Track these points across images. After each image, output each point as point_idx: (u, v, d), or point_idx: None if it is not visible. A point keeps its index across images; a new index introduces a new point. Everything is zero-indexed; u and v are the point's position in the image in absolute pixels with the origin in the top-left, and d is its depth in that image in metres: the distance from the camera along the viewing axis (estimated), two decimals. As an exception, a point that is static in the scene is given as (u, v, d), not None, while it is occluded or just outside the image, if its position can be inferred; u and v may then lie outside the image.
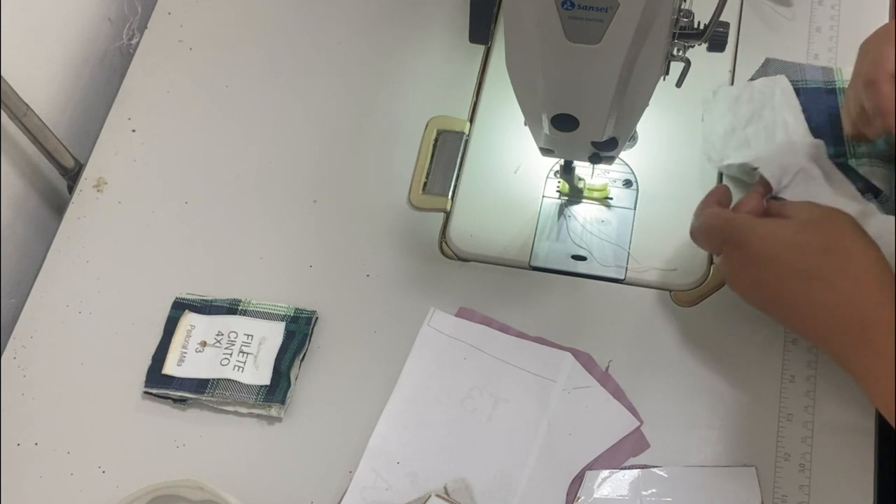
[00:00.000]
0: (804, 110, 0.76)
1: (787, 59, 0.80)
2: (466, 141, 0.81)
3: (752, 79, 0.80)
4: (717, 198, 0.69)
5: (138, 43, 0.88)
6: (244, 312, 0.75)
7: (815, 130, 0.75)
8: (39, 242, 0.83)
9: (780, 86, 0.77)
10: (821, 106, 0.71)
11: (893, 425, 0.60)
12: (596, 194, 0.78)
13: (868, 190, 0.72)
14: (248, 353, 0.73)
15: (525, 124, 0.66)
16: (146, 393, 0.73)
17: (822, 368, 0.70)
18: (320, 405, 0.72)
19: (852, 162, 0.74)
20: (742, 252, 0.64)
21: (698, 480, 0.66)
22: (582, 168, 0.75)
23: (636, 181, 0.78)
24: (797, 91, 0.77)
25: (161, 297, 0.76)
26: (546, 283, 0.75)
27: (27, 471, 0.71)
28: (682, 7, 0.60)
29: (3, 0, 0.77)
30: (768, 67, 0.80)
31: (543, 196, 0.78)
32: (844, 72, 0.79)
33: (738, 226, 0.65)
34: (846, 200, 0.70)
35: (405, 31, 0.87)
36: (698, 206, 0.69)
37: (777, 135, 0.75)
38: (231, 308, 0.75)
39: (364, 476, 0.68)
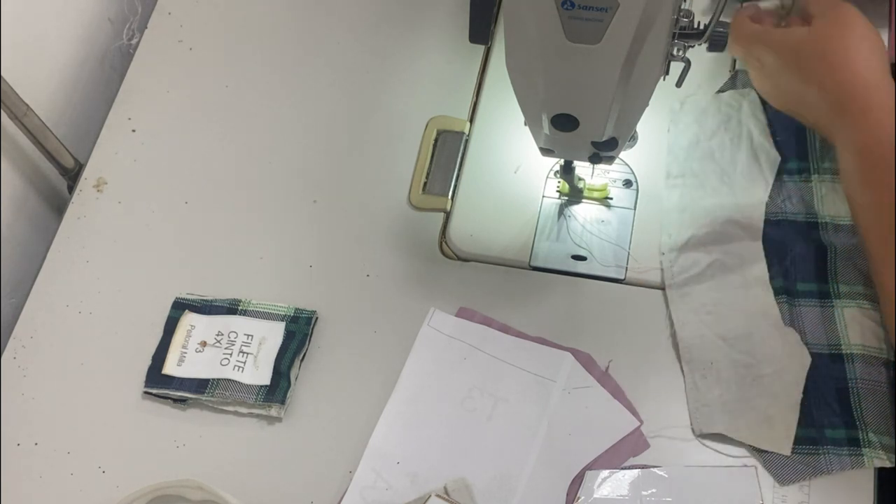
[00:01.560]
0: (770, 124, 0.76)
1: None
2: (466, 141, 0.81)
3: (720, 91, 0.80)
4: (750, 13, 0.70)
5: (138, 43, 0.88)
6: (244, 312, 0.75)
7: (781, 144, 0.75)
8: (39, 242, 0.83)
9: (748, 99, 0.78)
10: (787, 121, 0.71)
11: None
12: (596, 194, 0.78)
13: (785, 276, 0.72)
14: (248, 353, 0.73)
15: (525, 124, 0.66)
16: (146, 393, 0.73)
17: (822, 368, 0.70)
18: (320, 405, 0.72)
19: (815, 178, 0.74)
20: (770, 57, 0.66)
21: (698, 480, 0.66)
22: (582, 168, 0.75)
23: (636, 181, 0.78)
24: (765, 105, 0.77)
25: (161, 297, 0.76)
26: (546, 283, 0.75)
27: (27, 471, 0.71)
28: (682, 7, 0.60)
29: (3, 0, 0.77)
30: (737, 80, 0.80)
31: (543, 196, 0.78)
32: None
33: (759, 35, 0.67)
34: (756, 291, 0.71)
35: (405, 32, 0.87)
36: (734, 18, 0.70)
37: (742, 147, 0.76)
38: (231, 308, 0.75)
39: (364, 476, 0.68)
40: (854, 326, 0.69)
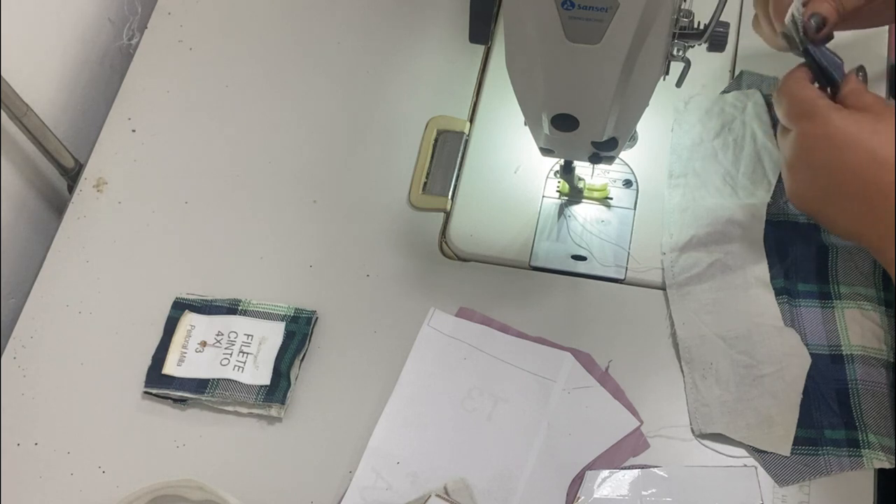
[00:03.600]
0: (774, 125, 0.76)
1: (763, 73, 0.80)
2: (466, 141, 0.81)
3: (724, 91, 0.80)
4: (806, 75, 0.67)
5: (138, 43, 0.88)
6: (244, 312, 0.75)
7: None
8: (39, 242, 0.83)
9: (753, 100, 0.78)
10: None
11: None
12: (596, 194, 0.78)
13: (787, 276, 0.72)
14: (248, 353, 0.73)
15: (525, 124, 0.66)
16: (146, 393, 0.73)
17: (822, 368, 0.70)
18: (320, 405, 0.72)
19: None
20: (821, 129, 0.62)
21: (698, 480, 0.66)
22: (582, 168, 0.75)
23: (636, 181, 0.78)
24: (769, 106, 0.77)
25: (161, 297, 0.76)
26: (546, 283, 0.75)
27: (27, 471, 0.71)
28: (682, 7, 0.60)
29: (3, 0, 0.77)
30: (742, 81, 0.80)
31: (543, 196, 0.78)
32: None
33: (822, 105, 0.63)
34: (757, 291, 0.71)
35: (405, 32, 0.87)
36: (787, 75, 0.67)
37: (745, 148, 0.76)
38: (231, 308, 0.75)
39: (364, 476, 0.68)
40: (854, 327, 0.69)
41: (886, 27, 0.82)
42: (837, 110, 0.62)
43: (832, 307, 0.70)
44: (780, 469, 0.66)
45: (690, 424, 0.68)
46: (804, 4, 0.66)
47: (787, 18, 0.66)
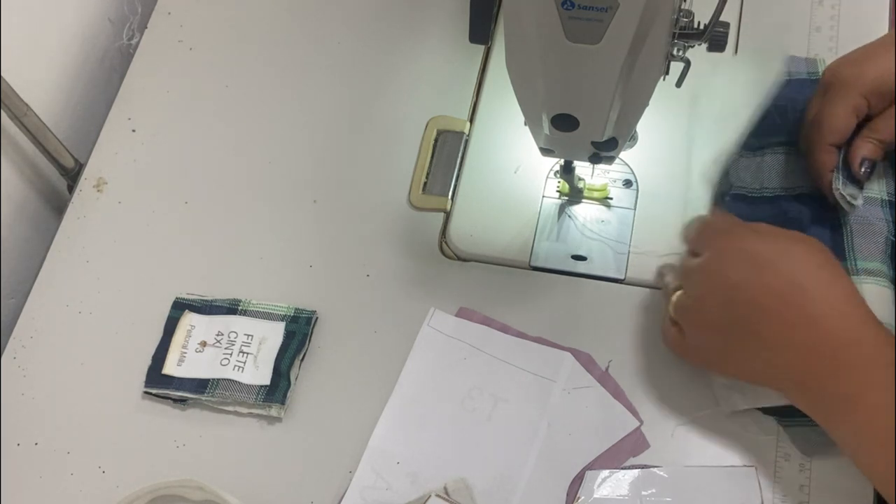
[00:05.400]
0: (791, 100, 0.76)
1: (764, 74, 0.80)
2: (466, 141, 0.81)
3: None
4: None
5: (138, 43, 0.88)
6: (244, 312, 0.75)
7: (800, 119, 0.75)
8: (39, 242, 0.83)
9: None
10: (806, 95, 0.72)
11: (864, 460, 0.59)
12: (596, 194, 0.78)
13: None
14: (248, 353, 0.73)
15: (525, 124, 0.66)
16: (146, 393, 0.73)
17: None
18: (320, 405, 0.72)
19: None
20: (740, 251, 0.63)
21: (698, 480, 0.66)
22: (582, 168, 0.75)
23: (636, 181, 0.78)
24: (785, 83, 0.77)
25: (161, 297, 0.76)
26: (546, 283, 0.75)
27: (27, 471, 0.71)
28: (682, 7, 0.60)
29: (3, 0, 0.77)
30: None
31: (543, 196, 0.78)
32: (829, 62, 0.79)
33: (738, 227, 0.65)
34: None
35: (405, 32, 0.87)
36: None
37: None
38: (231, 308, 0.75)
39: (364, 476, 0.68)
40: (874, 304, 0.68)
41: (886, 24, 0.82)
42: (755, 231, 0.64)
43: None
44: (804, 440, 0.66)
45: (719, 404, 0.68)
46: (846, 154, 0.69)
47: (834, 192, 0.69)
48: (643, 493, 0.66)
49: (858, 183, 0.71)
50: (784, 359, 0.61)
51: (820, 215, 0.72)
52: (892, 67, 0.68)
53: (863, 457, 0.60)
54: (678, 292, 0.67)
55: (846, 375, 0.59)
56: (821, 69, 0.78)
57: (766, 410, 0.67)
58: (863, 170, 0.69)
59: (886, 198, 0.72)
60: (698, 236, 0.67)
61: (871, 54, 0.70)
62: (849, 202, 0.70)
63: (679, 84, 0.64)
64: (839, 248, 0.70)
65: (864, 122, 0.70)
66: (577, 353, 0.71)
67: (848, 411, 0.59)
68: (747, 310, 0.62)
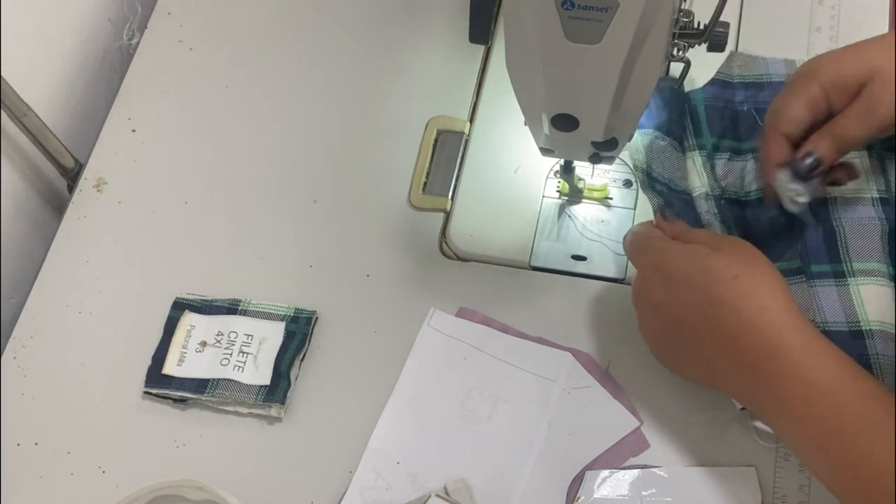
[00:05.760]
0: (767, 104, 0.74)
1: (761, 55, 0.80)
2: (466, 141, 0.81)
3: (719, 72, 0.79)
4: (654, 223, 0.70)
5: (138, 43, 0.88)
6: (244, 312, 0.75)
7: None
8: (39, 242, 0.83)
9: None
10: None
11: (802, 459, 0.60)
12: (596, 194, 0.78)
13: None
14: (248, 353, 0.73)
15: (525, 124, 0.66)
16: (146, 393, 0.73)
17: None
18: (320, 405, 0.72)
19: None
20: (656, 271, 0.64)
21: (698, 480, 0.66)
22: (582, 168, 0.75)
23: (636, 181, 0.78)
24: (760, 85, 0.77)
25: (161, 297, 0.76)
26: (546, 283, 0.75)
27: (27, 471, 0.71)
28: (682, 7, 0.60)
29: (3, 0, 0.77)
30: (732, 60, 0.80)
31: (543, 196, 0.78)
32: None
33: (655, 244, 0.65)
34: None
35: (405, 32, 0.87)
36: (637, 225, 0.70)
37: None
38: (231, 308, 0.75)
39: (364, 476, 0.68)
40: (871, 304, 0.67)
41: (886, 24, 0.82)
42: (670, 248, 0.64)
43: (846, 285, 0.69)
44: None
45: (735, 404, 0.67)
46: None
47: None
48: (643, 493, 0.66)
49: (805, 180, 0.68)
50: (715, 370, 0.62)
51: (812, 219, 0.72)
52: (857, 64, 0.65)
53: (803, 458, 0.60)
54: None
55: (770, 386, 0.59)
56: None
57: None
58: (806, 162, 0.67)
59: (877, 195, 0.72)
60: (629, 250, 0.69)
61: (838, 51, 0.68)
62: (792, 199, 0.69)
63: (679, 84, 0.64)
64: (833, 252, 0.70)
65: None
66: (577, 353, 0.71)
67: (780, 419, 0.60)
68: (674, 327, 0.63)
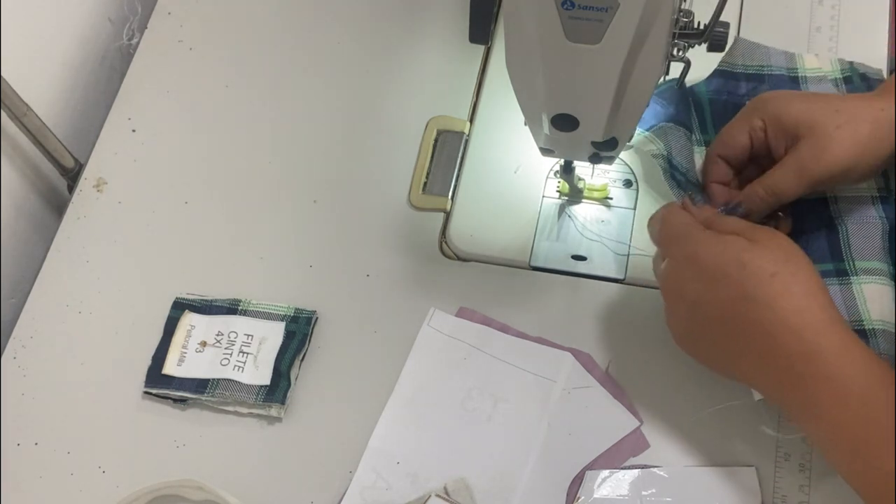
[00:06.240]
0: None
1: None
2: (466, 141, 0.81)
3: (722, 62, 0.79)
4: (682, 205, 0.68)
5: (138, 43, 0.88)
6: (244, 312, 0.75)
7: None
8: (39, 242, 0.83)
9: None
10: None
11: (831, 462, 0.59)
12: (596, 194, 0.78)
13: None
14: (248, 353, 0.73)
15: (525, 124, 0.66)
16: (146, 393, 0.73)
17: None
18: (320, 405, 0.72)
19: None
20: (691, 263, 0.62)
21: (698, 480, 0.66)
22: (582, 168, 0.75)
23: (636, 181, 0.78)
24: (761, 78, 0.77)
25: (161, 297, 0.76)
26: (546, 283, 0.75)
27: (27, 471, 0.71)
28: (682, 7, 0.60)
29: (3, 0, 0.77)
30: (735, 48, 0.79)
31: (543, 196, 0.78)
32: (806, 60, 0.79)
33: (691, 234, 0.63)
34: None
35: (405, 32, 0.87)
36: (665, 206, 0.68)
37: None
38: (231, 308, 0.75)
39: (364, 476, 0.68)
40: (874, 302, 0.68)
41: (886, 24, 0.82)
42: (707, 238, 0.62)
43: (849, 283, 0.69)
44: None
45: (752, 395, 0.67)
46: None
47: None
48: (643, 493, 0.66)
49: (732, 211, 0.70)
50: (747, 367, 0.62)
51: (815, 218, 0.72)
52: (802, 111, 0.66)
53: (831, 460, 0.60)
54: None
55: (804, 388, 0.58)
56: (799, 65, 0.78)
57: None
58: (737, 211, 0.69)
59: (877, 194, 0.72)
60: (659, 238, 0.66)
61: (793, 92, 0.71)
62: None
63: (679, 84, 0.64)
64: (836, 251, 0.70)
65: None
66: (577, 353, 0.71)
67: (810, 421, 0.59)
68: (707, 323, 0.62)
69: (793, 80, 0.77)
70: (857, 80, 0.77)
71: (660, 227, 0.66)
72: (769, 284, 0.59)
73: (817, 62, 0.79)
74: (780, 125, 0.67)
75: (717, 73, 0.79)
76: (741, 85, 0.78)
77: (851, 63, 0.78)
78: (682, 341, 0.66)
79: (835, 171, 0.65)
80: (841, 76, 0.78)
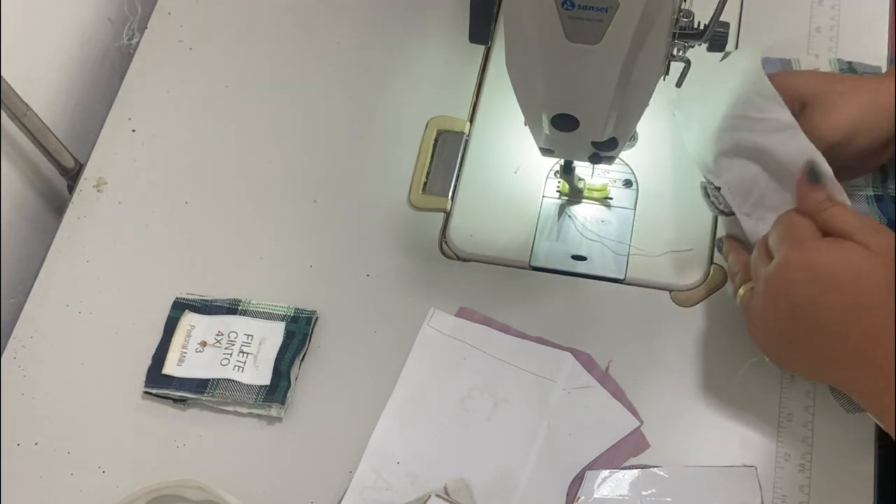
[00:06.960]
0: None
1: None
2: (466, 141, 0.81)
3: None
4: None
5: (138, 43, 0.88)
6: (244, 312, 0.75)
7: None
8: (39, 242, 0.83)
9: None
10: None
11: None
12: (596, 194, 0.78)
13: None
14: (248, 353, 0.73)
15: (525, 124, 0.66)
16: (146, 393, 0.73)
17: (822, 368, 0.70)
18: (320, 405, 0.72)
19: None
20: (804, 267, 0.61)
21: (698, 480, 0.66)
22: (582, 168, 0.75)
23: (636, 181, 0.78)
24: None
25: (161, 297, 0.76)
26: (546, 283, 0.75)
27: (27, 471, 0.71)
28: (682, 7, 0.60)
29: (3, 0, 0.77)
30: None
31: (543, 196, 0.78)
32: (802, 62, 0.79)
33: (807, 241, 0.62)
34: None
35: (405, 32, 0.87)
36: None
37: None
38: (231, 308, 0.75)
39: (364, 476, 0.68)
40: None
41: (886, 24, 0.82)
42: (824, 238, 0.62)
43: None
44: (849, 399, 0.65)
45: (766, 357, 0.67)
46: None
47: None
48: (643, 493, 0.66)
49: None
50: (849, 374, 0.61)
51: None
52: (807, 81, 0.69)
53: None
54: (745, 285, 0.66)
55: None
56: (795, 69, 0.78)
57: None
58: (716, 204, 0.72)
59: (872, 193, 0.72)
60: (779, 236, 0.64)
61: (790, 71, 0.73)
62: (709, 204, 0.72)
63: (679, 84, 0.64)
64: None
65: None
66: (577, 353, 0.71)
67: None
68: (812, 327, 0.61)
69: None
70: None
71: (785, 225, 0.64)
72: (888, 294, 0.59)
73: (816, 63, 0.79)
74: (787, 96, 0.68)
75: None
76: None
77: (850, 63, 0.78)
78: (770, 343, 0.65)
79: (842, 133, 0.67)
80: None
